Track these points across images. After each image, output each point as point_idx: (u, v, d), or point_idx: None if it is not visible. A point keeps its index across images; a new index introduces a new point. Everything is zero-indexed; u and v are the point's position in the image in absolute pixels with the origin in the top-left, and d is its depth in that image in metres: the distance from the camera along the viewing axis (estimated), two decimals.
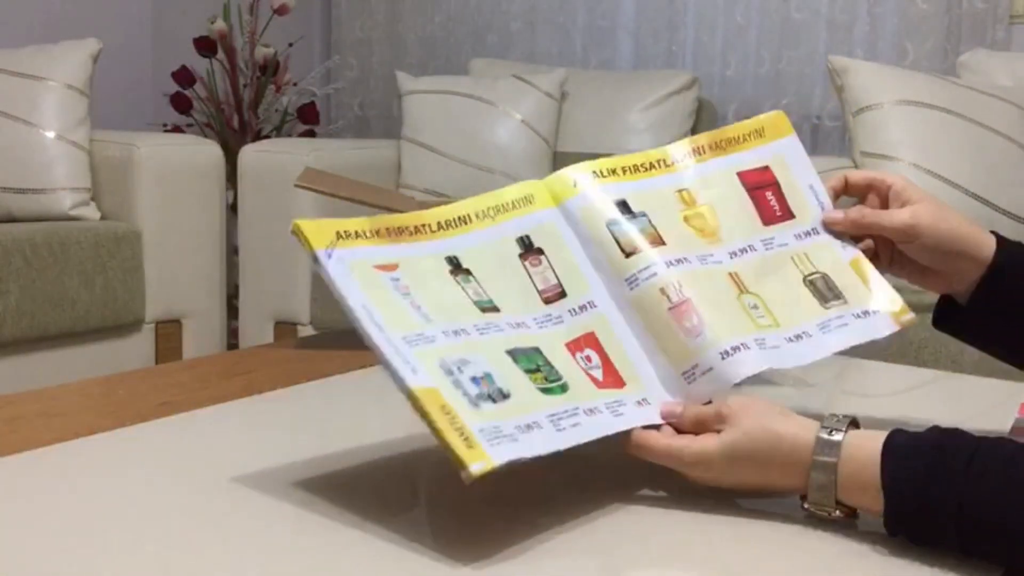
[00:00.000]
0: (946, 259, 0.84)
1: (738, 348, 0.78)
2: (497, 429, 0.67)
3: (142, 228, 2.56)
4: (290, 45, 3.47)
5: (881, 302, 0.85)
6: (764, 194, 0.89)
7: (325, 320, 2.59)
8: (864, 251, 0.87)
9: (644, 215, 0.84)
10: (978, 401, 1.10)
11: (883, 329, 0.84)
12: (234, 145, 2.99)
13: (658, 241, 0.83)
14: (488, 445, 0.65)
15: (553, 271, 0.80)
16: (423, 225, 0.78)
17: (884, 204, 0.86)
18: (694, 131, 3.00)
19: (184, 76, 3.29)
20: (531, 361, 0.74)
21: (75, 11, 3.23)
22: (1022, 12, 2.83)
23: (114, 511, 0.72)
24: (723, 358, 0.77)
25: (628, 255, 0.81)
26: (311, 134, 3.44)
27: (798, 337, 0.81)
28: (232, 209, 2.81)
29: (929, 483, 0.65)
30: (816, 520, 0.71)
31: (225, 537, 0.69)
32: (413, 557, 0.66)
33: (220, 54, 3.34)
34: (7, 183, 2.54)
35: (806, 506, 0.71)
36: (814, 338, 0.82)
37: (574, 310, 0.79)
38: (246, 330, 2.71)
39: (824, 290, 0.85)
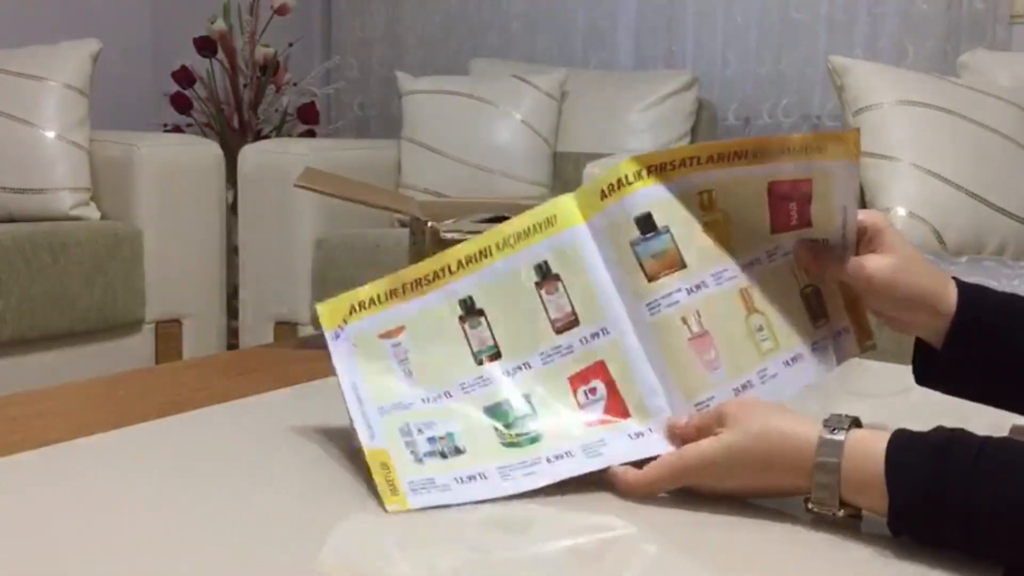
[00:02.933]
0: (903, 312, 0.83)
1: (746, 386, 0.81)
2: (430, 481, 0.74)
3: (142, 228, 2.56)
4: (290, 45, 3.47)
5: (852, 323, 0.87)
6: (787, 204, 0.84)
7: None
8: None
9: (667, 231, 0.82)
10: None
11: (849, 352, 0.86)
12: (234, 145, 2.99)
13: (678, 263, 0.82)
14: (411, 494, 0.73)
15: (568, 298, 0.83)
16: (443, 269, 0.83)
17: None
18: (694, 131, 3.01)
19: (184, 76, 3.29)
20: (505, 416, 0.80)
21: (75, 11, 3.23)
22: (1022, 12, 2.83)
23: (114, 511, 0.72)
24: (735, 394, 0.80)
25: (651, 279, 0.81)
26: (311, 134, 3.43)
27: (794, 360, 0.83)
28: (232, 209, 2.81)
29: (934, 481, 0.65)
30: (821, 521, 0.70)
31: (226, 537, 0.69)
32: (420, 560, 0.66)
33: (220, 54, 3.34)
34: (7, 183, 2.54)
35: (810, 506, 0.70)
36: (806, 360, 0.84)
37: (585, 339, 0.82)
38: (246, 330, 2.71)
39: (815, 306, 0.85)
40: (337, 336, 0.82)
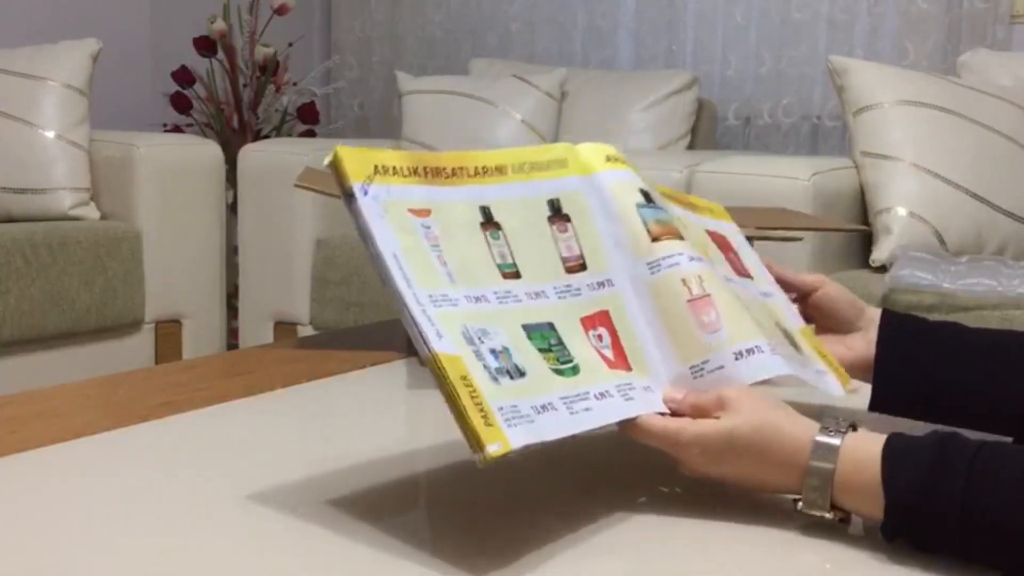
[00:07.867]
0: (839, 320, 0.93)
1: (752, 351, 0.77)
2: (515, 409, 0.65)
3: (142, 228, 2.56)
4: (290, 45, 3.47)
5: (829, 367, 0.88)
6: (728, 252, 0.91)
7: (325, 320, 2.59)
8: None
9: (665, 210, 0.84)
10: None
11: (835, 390, 0.86)
12: (234, 145, 2.99)
13: (679, 235, 0.82)
14: (506, 425, 0.63)
15: (577, 241, 0.79)
16: (460, 168, 0.75)
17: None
18: (694, 131, 3.01)
19: (184, 76, 3.29)
20: (544, 339, 0.72)
21: (75, 11, 3.23)
22: (1022, 12, 2.83)
23: (114, 511, 0.72)
24: (736, 359, 0.76)
25: (654, 239, 0.80)
26: (311, 134, 3.44)
27: (773, 349, 0.82)
28: (232, 209, 2.81)
29: (931, 484, 0.64)
30: (813, 526, 0.70)
31: (224, 538, 0.69)
32: (418, 561, 0.66)
33: (220, 54, 3.34)
34: (7, 183, 2.54)
35: (800, 507, 0.70)
36: (804, 360, 0.84)
37: (592, 285, 0.78)
38: (246, 330, 2.71)
39: (793, 340, 0.86)
40: (365, 192, 0.69)
